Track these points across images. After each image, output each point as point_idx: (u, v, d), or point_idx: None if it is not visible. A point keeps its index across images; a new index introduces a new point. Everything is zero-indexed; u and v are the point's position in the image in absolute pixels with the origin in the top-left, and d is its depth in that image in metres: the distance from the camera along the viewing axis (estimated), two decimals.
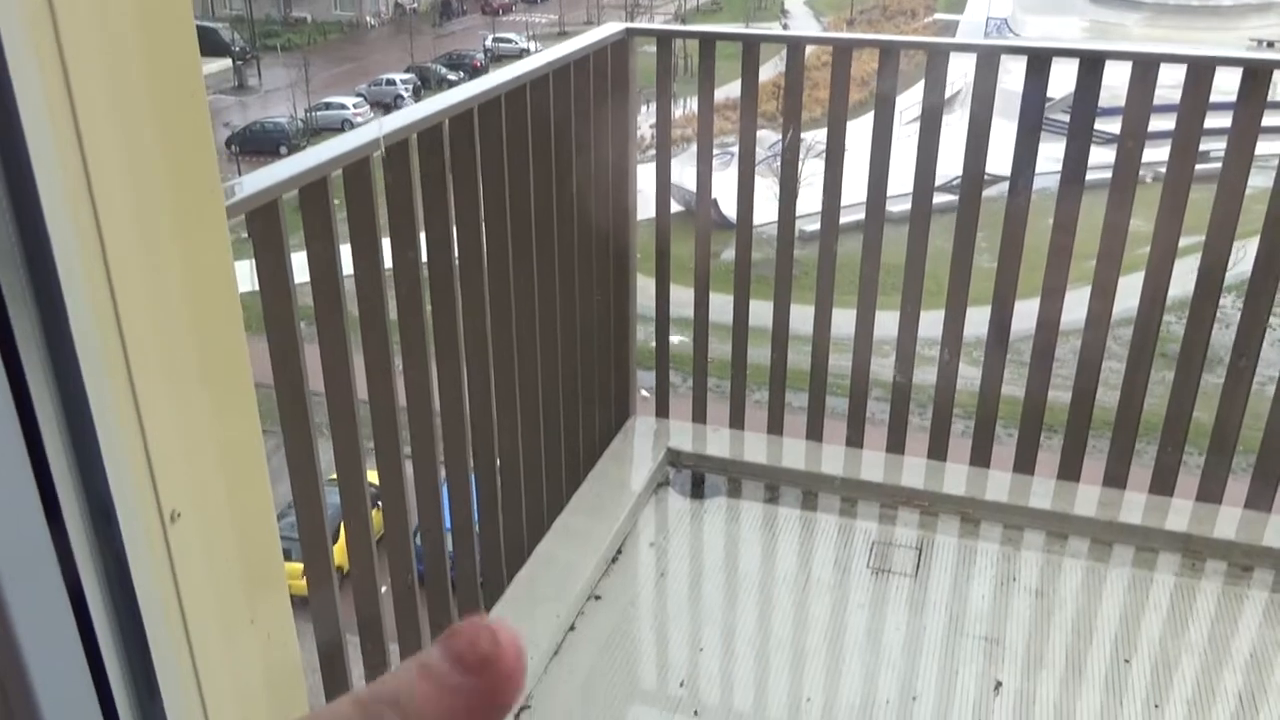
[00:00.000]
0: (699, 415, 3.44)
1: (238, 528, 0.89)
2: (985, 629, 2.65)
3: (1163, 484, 3.04)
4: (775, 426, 3.39)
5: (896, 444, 3.27)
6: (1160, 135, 2.87)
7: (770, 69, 3.25)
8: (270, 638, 0.94)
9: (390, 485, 2.21)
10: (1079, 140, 2.85)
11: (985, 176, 2.99)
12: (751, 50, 3.06)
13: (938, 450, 3.21)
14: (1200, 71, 2.71)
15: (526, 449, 2.75)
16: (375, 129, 1.96)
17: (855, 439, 3.30)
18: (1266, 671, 2.52)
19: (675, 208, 3.29)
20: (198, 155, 0.85)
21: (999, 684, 2.46)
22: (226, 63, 37.49)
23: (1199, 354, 2.92)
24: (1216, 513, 2.97)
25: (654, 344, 3.44)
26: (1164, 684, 2.49)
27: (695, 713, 2.39)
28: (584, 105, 2.79)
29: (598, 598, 2.76)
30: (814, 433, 3.34)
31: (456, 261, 2.32)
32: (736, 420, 3.42)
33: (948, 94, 3.01)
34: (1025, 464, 3.14)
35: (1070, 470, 3.11)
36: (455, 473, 2.47)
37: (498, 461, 2.62)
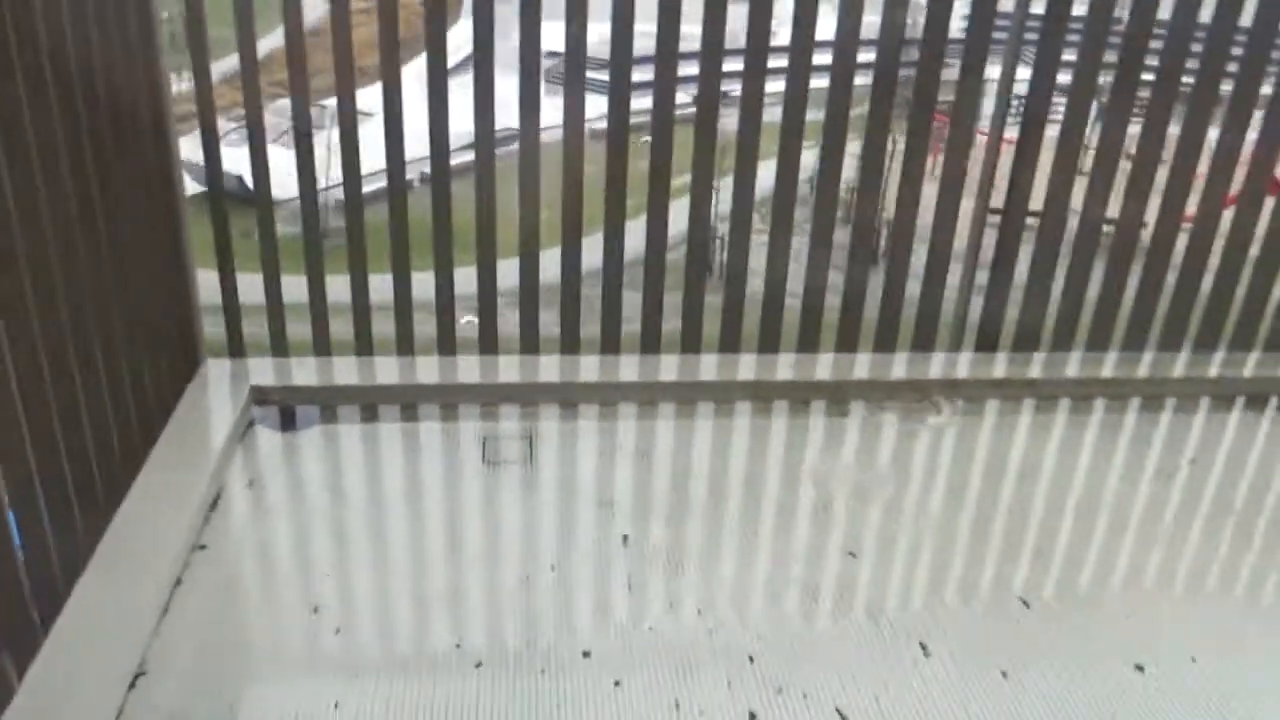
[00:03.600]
0: (279, 349, 3.25)
1: None
2: (602, 494, 2.78)
3: (729, 344, 3.38)
4: (365, 349, 3.29)
5: (489, 345, 3.31)
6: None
7: (275, 39, 3.06)
8: None
9: None
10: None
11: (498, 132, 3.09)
12: None
13: (529, 345, 3.29)
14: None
15: (76, 423, 2.40)
16: None
17: (447, 347, 3.29)
18: (835, 483, 2.90)
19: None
20: None
21: (625, 537, 2.59)
22: None
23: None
24: (775, 361, 3.35)
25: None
26: (753, 512, 2.76)
27: (337, 630, 2.27)
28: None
29: (203, 547, 2.52)
30: (405, 348, 3.28)
31: None
32: (322, 348, 3.27)
33: (455, 61, 3.09)
34: (610, 345, 3.32)
35: (651, 345, 3.34)
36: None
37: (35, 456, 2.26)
